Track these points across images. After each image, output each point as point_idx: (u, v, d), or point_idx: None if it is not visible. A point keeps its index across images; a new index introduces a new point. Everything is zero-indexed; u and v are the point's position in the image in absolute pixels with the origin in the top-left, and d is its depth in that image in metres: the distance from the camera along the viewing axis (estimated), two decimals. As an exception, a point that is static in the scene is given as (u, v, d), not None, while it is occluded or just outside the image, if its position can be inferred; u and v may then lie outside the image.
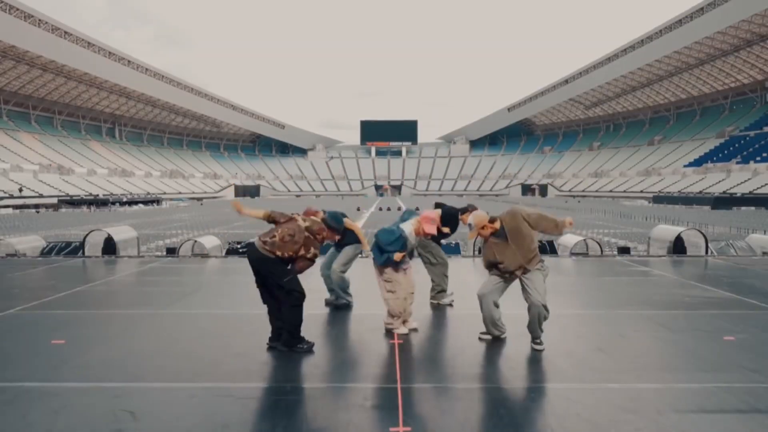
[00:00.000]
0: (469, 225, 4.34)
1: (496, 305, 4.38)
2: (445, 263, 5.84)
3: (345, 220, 5.30)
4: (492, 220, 4.26)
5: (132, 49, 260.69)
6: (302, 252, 4.10)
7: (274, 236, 4.11)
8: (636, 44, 62.72)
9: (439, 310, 5.64)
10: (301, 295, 4.17)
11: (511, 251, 4.19)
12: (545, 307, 4.16)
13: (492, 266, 4.35)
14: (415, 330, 4.75)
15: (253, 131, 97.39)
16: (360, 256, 6.32)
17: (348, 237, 5.56)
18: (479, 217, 4.27)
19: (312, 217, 4.34)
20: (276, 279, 4.11)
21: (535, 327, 4.22)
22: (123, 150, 76.91)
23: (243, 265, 9.08)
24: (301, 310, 4.19)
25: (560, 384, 3.50)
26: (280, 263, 4.11)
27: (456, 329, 5.00)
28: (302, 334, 4.25)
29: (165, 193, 64.60)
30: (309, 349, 4.19)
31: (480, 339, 4.49)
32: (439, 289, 5.86)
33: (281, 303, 4.16)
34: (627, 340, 4.50)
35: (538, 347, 4.20)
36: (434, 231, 4.81)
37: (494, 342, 4.45)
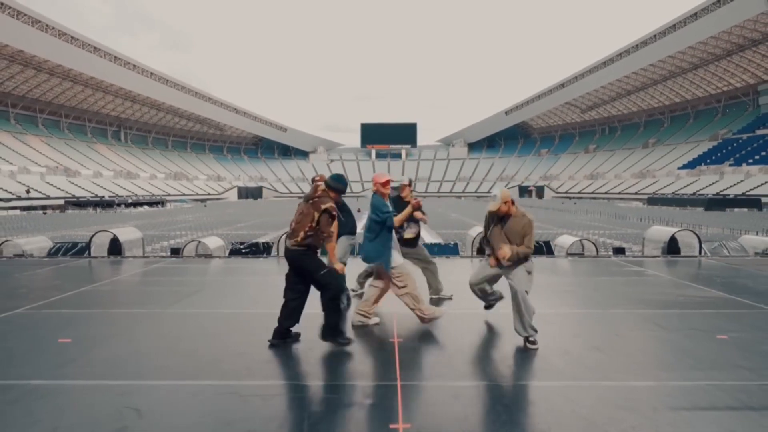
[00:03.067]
0: (495, 196, 4.43)
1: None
2: (432, 262, 6.07)
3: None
4: (512, 202, 4.44)
5: (137, 54, 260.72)
6: (314, 224, 4.14)
7: (292, 226, 4.26)
8: (631, 49, 62.89)
9: (438, 306, 5.69)
10: (338, 288, 4.21)
11: (504, 240, 4.41)
12: (526, 303, 4.26)
13: (486, 243, 4.65)
14: (377, 324, 5.00)
15: (256, 134, 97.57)
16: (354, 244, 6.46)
17: (342, 226, 5.63)
18: (506, 192, 4.42)
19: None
20: (311, 274, 4.21)
21: (518, 319, 4.30)
22: (128, 152, 77.10)
23: (246, 265, 9.16)
24: (339, 303, 4.21)
25: (557, 382, 3.55)
26: (310, 255, 4.21)
27: (455, 328, 5.03)
28: (301, 330, 4.34)
29: (169, 195, 64.74)
30: (347, 343, 4.26)
31: (486, 309, 5.09)
32: (432, 292, 6.07)
33: (320, 293, 4.22)
34: (622, 339, 4.56)
35: (532, 346, 4.26)
36: (384, 183, 4.91)
37: (492, 341, 4.53)
